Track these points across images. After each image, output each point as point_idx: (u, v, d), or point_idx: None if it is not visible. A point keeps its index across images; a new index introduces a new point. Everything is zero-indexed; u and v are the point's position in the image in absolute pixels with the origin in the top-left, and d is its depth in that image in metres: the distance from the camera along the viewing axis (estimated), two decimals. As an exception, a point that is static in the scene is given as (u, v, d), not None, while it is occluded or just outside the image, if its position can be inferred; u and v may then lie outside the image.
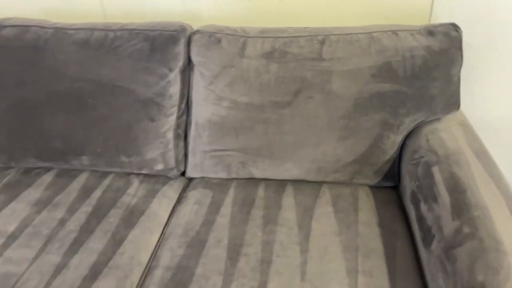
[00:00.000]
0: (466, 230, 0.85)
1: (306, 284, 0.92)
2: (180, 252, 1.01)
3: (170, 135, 1.25)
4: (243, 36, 1.21)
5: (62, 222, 1.10)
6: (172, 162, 1.26)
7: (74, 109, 1.24)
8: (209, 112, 1.22)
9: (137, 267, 1.00)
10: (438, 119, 1.19)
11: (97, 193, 1.20)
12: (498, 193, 0.91)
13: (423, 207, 1.00)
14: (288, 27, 1.24)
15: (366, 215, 1.11)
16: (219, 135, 1.22)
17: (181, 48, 1.22)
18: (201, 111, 1.24)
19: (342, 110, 1.16)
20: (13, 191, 1.23)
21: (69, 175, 1.28)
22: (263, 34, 1.21)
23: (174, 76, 1.23)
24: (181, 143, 1.28)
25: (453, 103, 1.19)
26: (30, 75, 1.26)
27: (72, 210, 1.14)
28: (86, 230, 1.08)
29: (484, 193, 0.91)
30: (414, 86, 1.15)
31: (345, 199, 1.17)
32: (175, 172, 1.28)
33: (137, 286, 0.97)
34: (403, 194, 1.16)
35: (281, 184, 1.23)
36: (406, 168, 1.16)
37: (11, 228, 1.10)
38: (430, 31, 1.17)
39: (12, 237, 1.07)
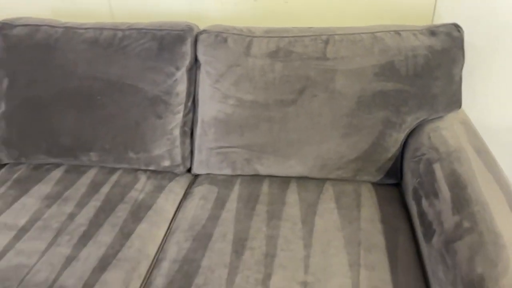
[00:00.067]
0: (466, 224, 0.87)
1: (309, 277, 0.94)
2: (187, 246, 1.04)
3: (177, 132, 1.28)
4: (248, 36, 1.24)
5: (71, 216, 1.13)
6: (178, 159, 1.29)
7: (83, 107, 1.27)
8: (215, 110, 1.25)
9: (144, 260, 1.02)
10: (440, 118, 1.21)
11: (105, 189, 1.23)
12: (498, 189, 0.93)
13: (424, 203, 1.02)
14: (292, 27, 1.27)
15: (368, 211, 1.13)
16: (225, 132, 1.25)
17: (188, 47, 1.25)
18: (207, 109, 1.27)
19: (345, 108, 1.18)
20: (24, 186, 1.26)
21: (78, 171, 1.31)
22: (268, 33, 1.24)
23: (181, 75, 1.26)
24: (188, 140, 1.31)
25: (455, 102, 1.21)
26: (41, 73, 1.29)
27: (81, 204, 1.17)
28: (95, 224, 1.10)
29: (484, 189, 0.93)
30: (416, 85, 1.17)
31: (348, 195, 1.19)
32: (181, 169, 1.31)
33: (145, 278, 1.00)
34: (405, 191, 1.18)
35: (285, 180, 1.25)
36: (408, 165, 1.18)
37: (22, 221, 1.13)
38: (432, 31, 1.19)
39: (23, 230, 1.10)
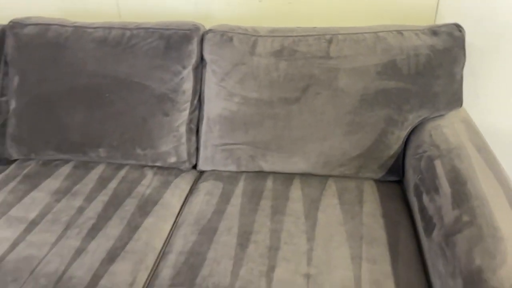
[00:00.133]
0: (465, 218, 0.89)
1: (312, 269, 0.97)
2: (193, 239, 1.06)
3: (183, 129, 1.31)
4: (253, 35, 1.26)
5: (80, 210, 1.16)
6: (184, 155, 1.32)
7: (92, 104, 1.30)
8: (220, 107, 1.28)
9: (151, 252, 1.05)
10: (441, 116, 1.23)
11: (113, 184, 1.26)
12: (497, 185, 0.95)
13: (425, 198, 1.04)
14: (297, 27, 1.29)
15: (370, 207, 1.15)
16: (230, 129, 1.28)
17: (194, 46, 1.28)
18: (213, 107, 1.29)
19: (348, 106, 1.21)
20: (33, 181, 1.29)
21: (86, 166, 1.34)
22: (273, 33, 1.27)
23: (188, 73, 1.29)
24: (193, 137, 1.34)
25: (456, 100, 1.23)
26: (51, 71, 1.32)
27: (89, 199, 1.20)
28: (103, 218, 1.13)
29: (484, 185, 0.95)
30: (418, 83, 1.19)
31: (350, 192, 1.21)
32: (187, 165, 1.34)
33: (152, 269, 1.02)
34: (407, 187, 1.20)
35: (288, 177, 1.28)
36: (410, 162, 1.20)
37: (32, 215, 1.16)
38: (434, 31, 1.22)
39: (33, 223, 1.13)
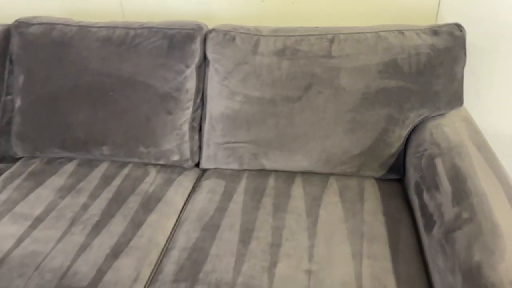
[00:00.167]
0: (465, 215, 0.90)
1: (313, 265, 0.98)
2: (195, 235, 1.08)
3: (186, 127, 1.32)
4: (256, 35, 1.28)
5: (84, 207, 1.18)
6: (187, 154, 1.33)
7: (96, 102, 1.32)
8: (223, 106, 1.29)
9: (155, 248, 1.07)
10: (442, 115, 1.24)
11: (117, 181, 1.27)
12: (497, 183, 0.96)
13: (426, 196, 1.05)
14: (299, 27, 1.30)
15: (371, 205, 1.16)
16: (232, 128, 1.29)
17: (197, 45, 1.30)
18: (215, 105, 1.31)
19: (349, 104, 1.22)
20: (38, 178, 1.30)
21: (90, 164, 1.35)
22: (276, 33, 1.28)
23: (191, 72, 1.30)
24: (196, 136, 1.35)
25: (457, 99, 1.24)
26: (56, 70, 1.34)
27: (93, 196, 1.22)
28: (107, 214, 1.15)
29: (484, 183, 0.96)
30: (418, 82, 1.20)
31: (351, 190, 1.22)
32: (190, 163, 1.35)
33: (155, 265, 1.04)
34: (408, 185, 1.21)
35: (290, 175, 1.29)
36: (410, 161, 1.21)
37: (37, 211, 1.17)
38: (435, 31, 1.23)
39: (38, 220, 1.14)
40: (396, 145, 1.24)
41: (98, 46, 1.32)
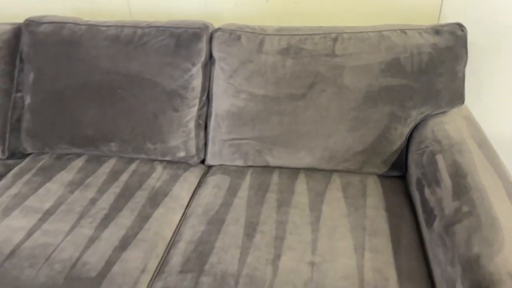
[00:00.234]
0: (465, 209, 0.92)
1: (317, 257, 1.00)
2: (201, 229, 1.10)
3: (192, 125, 1.35)
4: (261, 34, 1.30)
5: (93, 201, 1.21)
6: (193, 150, 1.36)
7: (105, 100, 1.35)
8: (228, 103, 1.32)
9: (161, 241, 1.09)
10: (443, 113, 1.26)
11: (124, 177, 1.30)
12: (497, 178, 0.98)
13: (427, 191, 1.07)
14: (303, 26, 1.33)
15: (374, 200, 1.19)
16: (237, 125, 1.31)
17: (203, 44, 1.32)
18: (221, 103, 1.34)
19: (352, 102, 1.24)
20: (48, 173, 1.33)
21: (98, 160, 1.38)
22: (280, 32, 1.31)
23: (197, 70, 1.33)
24: (202, 133, 1.38)
25: (458, 98, 1.27)
26: (65, 68, 1.37)
27: (102, 190, 1.25)
28: (115, 208, 1.18)
29: (484, 178, 0.98)
30: (421, 81, 1.23)
31: (354, 186, 1.24)
32: (195, 160, 1.38)
33: (162, 257, 1.06)
34: (409, 182, 1.23)
35: (294, 172, 1.31)
36: (412, 157, 1.23)
37: (47, 205, 1.20)
38: (436, 30, 1.25)
39: (48, 213, 1.17)
40: (398, 142, 1.26)
41: (107, 45, 1.35)
